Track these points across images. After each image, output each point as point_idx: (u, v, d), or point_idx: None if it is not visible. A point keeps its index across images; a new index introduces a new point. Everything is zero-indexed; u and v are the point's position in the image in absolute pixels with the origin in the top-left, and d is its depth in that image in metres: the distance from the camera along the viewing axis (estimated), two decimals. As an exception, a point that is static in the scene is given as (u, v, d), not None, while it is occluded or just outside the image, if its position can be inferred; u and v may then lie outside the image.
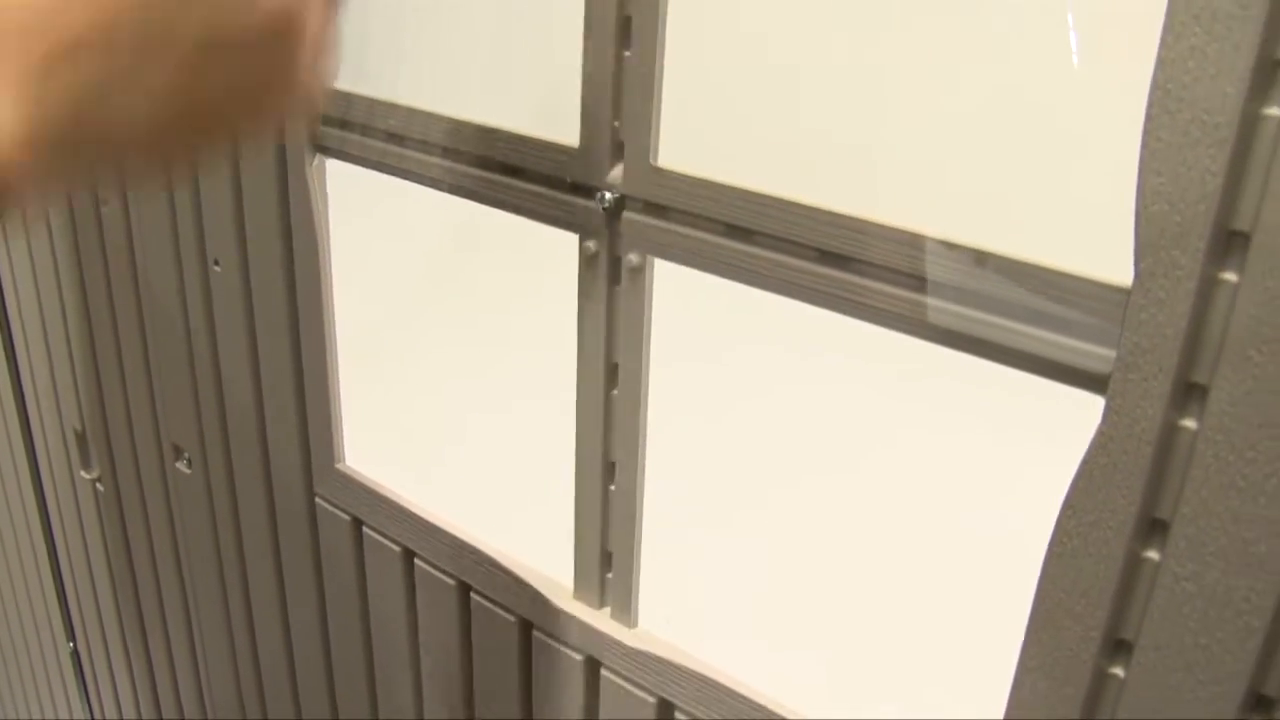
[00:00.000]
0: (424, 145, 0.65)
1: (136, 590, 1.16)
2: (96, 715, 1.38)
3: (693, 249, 0.54)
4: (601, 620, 0.67)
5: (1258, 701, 0.44)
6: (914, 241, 0.47)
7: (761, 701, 0.60)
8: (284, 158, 0.73)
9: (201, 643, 1.09)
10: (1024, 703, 0.49)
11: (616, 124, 0.55)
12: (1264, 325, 0.39)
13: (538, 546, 0.71)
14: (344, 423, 0.81)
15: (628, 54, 0.54)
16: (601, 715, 0.69)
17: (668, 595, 0.67)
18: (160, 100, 0.32)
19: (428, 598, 0.77)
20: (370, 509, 0.79)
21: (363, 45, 0.69)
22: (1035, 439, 0.63)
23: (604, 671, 0.67)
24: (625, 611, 0.66)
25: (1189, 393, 0.42)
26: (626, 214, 0.57)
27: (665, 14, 0.52)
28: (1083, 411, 0.45)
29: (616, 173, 0.56)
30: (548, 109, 0.59)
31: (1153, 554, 0.45)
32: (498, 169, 0.62)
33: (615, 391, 0.61)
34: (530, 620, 0.70)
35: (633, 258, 0.57)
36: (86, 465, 1.15)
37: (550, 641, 0.70)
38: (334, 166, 0.73)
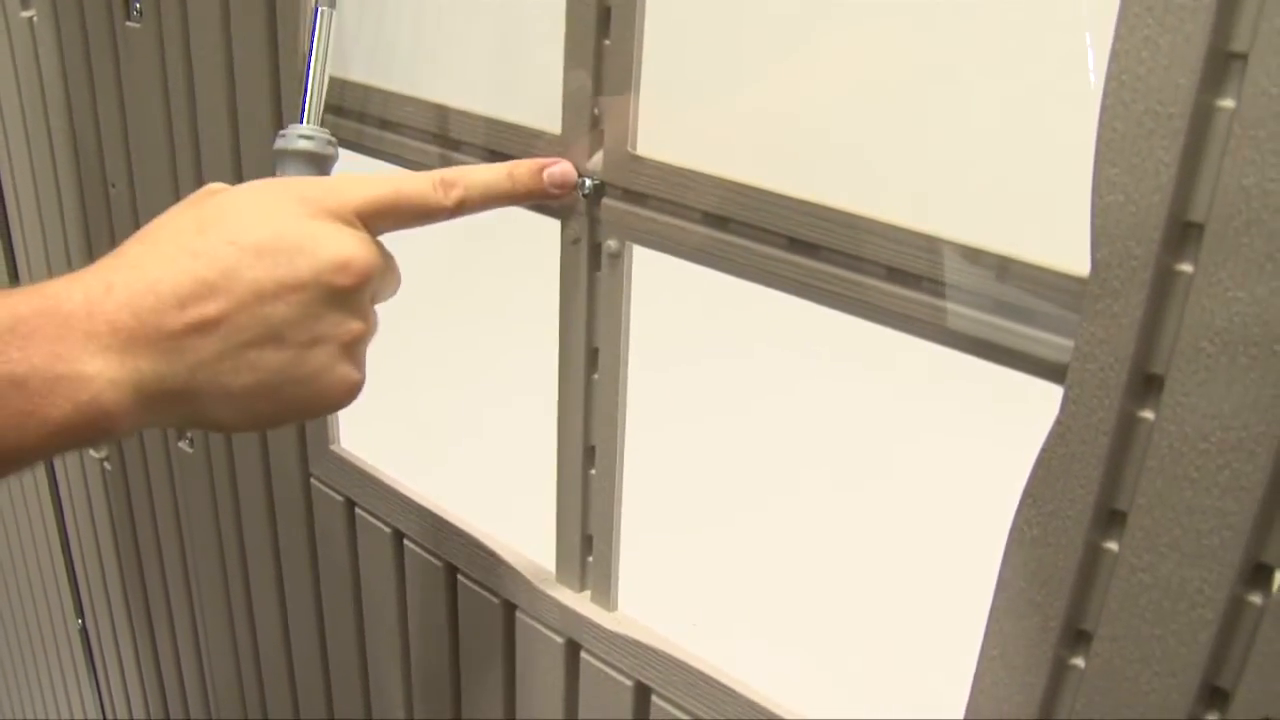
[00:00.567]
0: (415, 132, 0.66)
1: (141, 568, 1.18)
2: (104, 692, 1.40)
3: (669, 236, 0.55)
4: (582, 603, 0.67)
5: (1213, 694, 0.44)
6: (880, 230, 0.47)
7: (737, 689, 0.60)
8: (280, 142, 0.75)
9: (203, 620, 1.10)
10: (986, 692, 0.50)
11: (596, 112, 0.56)
12: (1216, 317, 0.39)
13: (524, 530, 0.72)
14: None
15: (607, 42, 0.54)
16: (581, 696, 0.70)
17: (648, 580, 0.68)
18: (241, 401, 0.42)
19: (416, 578, 0.78)
20: (362, 490, 0.80)
21: (353, 31, 0.70)
22: (1015, 431, 0.64)
23: (583, 654, 0.68)
24: (605, 595, 0.67)
25: (1147, 384, 0.42)
26: (606, 200, 0.57)
27: (644, 3, 0.53)
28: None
29: (597, 159, 0.57)
30: (531, 96, 0.59)
31: (1112, 545, 0.45)
32: (485, 155, 0.63)
33: (595, 376, 0.62)
34: (514, 602, 0.71)
35: (612, 244, 0.57)
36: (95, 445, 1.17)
37: (533, 623, 0.70)
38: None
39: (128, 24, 0.86)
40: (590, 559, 0.67)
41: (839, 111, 0.50)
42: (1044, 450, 0.45)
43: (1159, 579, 0.43)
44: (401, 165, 0.68)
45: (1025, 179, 0.46)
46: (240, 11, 0.74)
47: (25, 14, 0.97)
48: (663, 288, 0.61)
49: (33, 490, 1.33)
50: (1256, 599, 0.41)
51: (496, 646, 0.74)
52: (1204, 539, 0.42)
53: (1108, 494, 0.44)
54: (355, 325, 0.45)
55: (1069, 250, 0.43)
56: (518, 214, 0.63)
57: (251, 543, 0.96)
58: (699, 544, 0.80)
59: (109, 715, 1.42)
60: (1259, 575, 0.41)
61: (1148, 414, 0.43)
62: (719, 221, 0.53)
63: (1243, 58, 0.37)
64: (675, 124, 0.55)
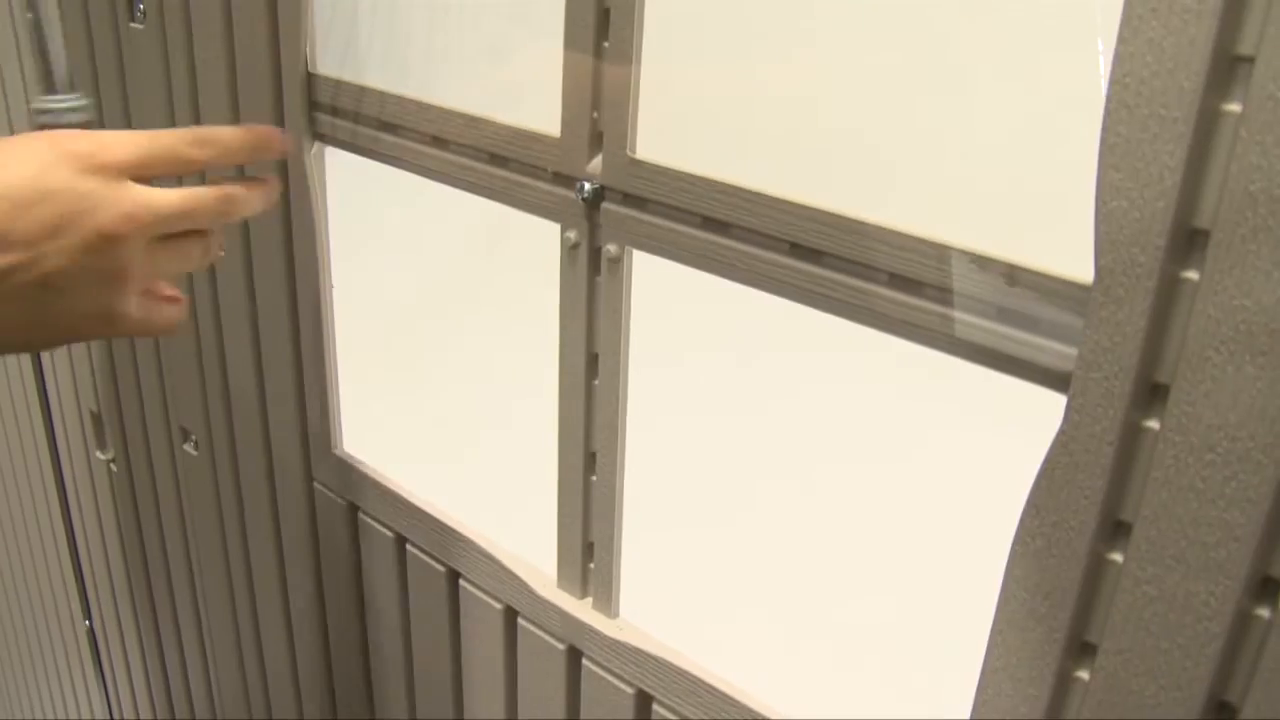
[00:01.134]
0: (416, 135, 0.65)
1: (147, 569, 1.18)
2: (111, 692, 1.40)
3: (669, 240, 0.54)
4: (583, 610, 0.67)
5: (1220, 708, 0.43)
6: (884, 236, 0.47)
7: (739, 698, 0.60)
8: (282, 145, 0.74)
9: (208, 621, 1.10)
10: (989, 704, 0.49)
11: (595, 115, 0.55)
12: (1222, 325, 0.39)
13: (526, 536, 0.72)
14: (342, 410, 0.81)
15: (606, 45, 0.54)
16: (583, 704, 0.69)
17: (649, 587, 0.67)
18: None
19: (419, 583, 0.78)
20: (365, 495, 0.80)
21: (354, 34, 0.70)
22: (1021, 432, 0.63)
23: (585, 661, 0.67)
24: (606, 602, 0.66)
25: (1153, 393, 0.42)
26: (605, 205, 0.57)
27: (643, 6, 0.52)
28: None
29: (596, 163, 0.56)
30: (529, 98, 0.59)
31: (1116, 556, 0.44)
32: (486, 159, 0.62)
33: (596, 382, 0.61)
34: (515, 608, 0.71)
35: (611, 248, 0.57)
36: (102, 446, 1.17)
37: (534, 629, 0.70)
38: (333, 157, 0.74)
39: (131, 25, 0.86)
40: (592, 566, 0.66)
41: (842, 116, 0.49)
42: (1047, 460, 0.44)
43: (1164, 591, 0.42)
44: (406, 171, 0.67)
45: (1031, 185, 0.45)
46: (242, 13, 0.74)
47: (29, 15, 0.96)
48: (663, 288, 0.60)
49: (40, 492, 1.34)
50: (1264, 612, 0.40)
51: (498, 652, 0.73)
52: (1210, 551, 0.41)
53: (1112, 504, 0.43)
54: (122, 271, 0.47)
55: (1074, 257, 0.43)
56: (516, 216, 0.62)
57: (255, 545, 0.96)
58: (700, 547, 0.80)
59: (116, 716, 1.42)
60: (1266, 589, 0.40)
61: (1152, 423, 0.42)
62: (720, 226, 0.52)
63: (1249, 61, 0.36)
64: (675, 127, 0.54)
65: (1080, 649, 0.46)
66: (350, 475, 0.81)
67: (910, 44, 0.47)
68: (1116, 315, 0.41)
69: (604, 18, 0.53)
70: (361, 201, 0.78)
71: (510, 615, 0.72)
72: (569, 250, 0.59)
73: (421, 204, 0.71)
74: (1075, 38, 0.41)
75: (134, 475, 1.12)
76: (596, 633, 0.66)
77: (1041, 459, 0.45)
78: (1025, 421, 0.49)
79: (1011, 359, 0.45)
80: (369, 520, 0.81)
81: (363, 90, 0.68)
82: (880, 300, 0.48)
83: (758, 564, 0.77)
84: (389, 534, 0.79)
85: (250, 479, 0.93)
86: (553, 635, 0.69)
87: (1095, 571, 0.45)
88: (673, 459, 0.66)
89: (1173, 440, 0.41)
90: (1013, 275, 0.44)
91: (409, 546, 0.78)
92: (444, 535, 0.74)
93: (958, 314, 0.46)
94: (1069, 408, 0.43)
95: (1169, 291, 0.40)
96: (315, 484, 0.85)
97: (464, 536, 0.73)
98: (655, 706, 0.64)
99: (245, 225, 0.81)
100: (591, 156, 0.56)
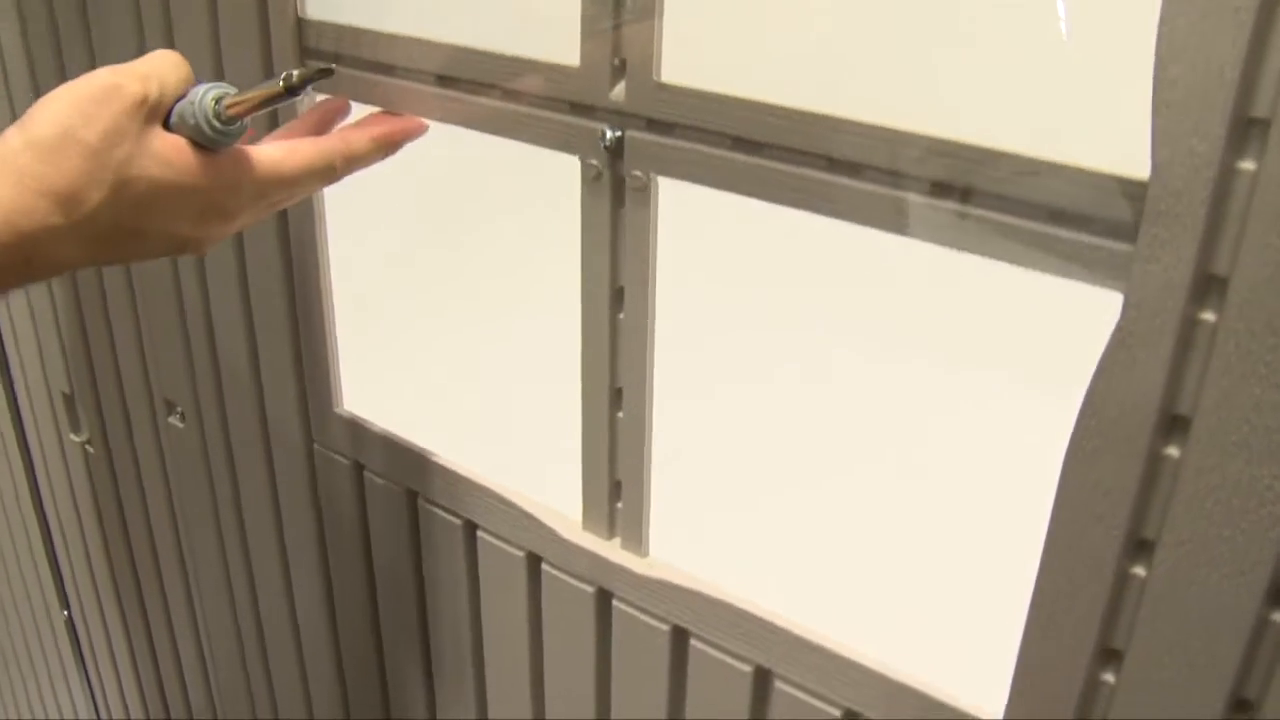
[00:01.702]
0: (420, 75, 0.64)
1: (131, 552, 1.15)
2: (94, 681, 1.37)
3: (699, 164, 0.54)
4: (612, 551, 0.66)
5: (1279, 593, 0.44)
6: (927, 145, 0.47)
7: (783, 625, 0.60)
8: (272, 96, 0.72)
9: (200, 601, 1.08)
10: (1046, 605, 0.50)
11: (617, 41, 0.54)
12: (1286, 210, 0.39)
13: (543, 481, 0.71)
14: (341, 366, 0.80)
15: (628, -33, 0.53)
16: (614, 646, 0.69)
17: (678, 525, 0.67)
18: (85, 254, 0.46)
19: (433, 538, 0.77)
20: (372, 453, 0.79)
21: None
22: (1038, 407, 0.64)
23: (615, 602, 0.67)
24: (636, 541, 0.66)
25: (1208, 284, 0.42)
26: (629, 133, 0.56)
27: (665, -75, 0.51)
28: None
29: (619, 90, 0.55)
30: (545, 27, 0.58)
31: (1173, 450, 0.45)
32: (497, 95, 0.61)
33: (621, 316, 0.60)
34: (539, 554, 0.70)
35: (637, 175, 0.56)
36: (76, 428, 1.14)
37: (560, 574, 0.69)
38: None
39: (97, -17, 0.82)
40: (619, 505, 0.66)
41: (877, 23, 0.49)
42: (1104, 358, 0.45)
43: (1227, 479, 0.43)
44: (403, 110, 0.66)
45: (1077, 86, 0.45)
46: (222, -38, 0.71)
47: (-18, -20, 0.93)
48: (686, 218, 0.59)
49: (7, 478, 1.30)
50: (1329, 492, 0.41)
51: (520, 601, 0.73)
52: (1274, 435, 0.42)
53: (1170, 398, 0.44)
54: (233, 215, 0.50)
55: (1125, 156, 0.43)
56: (523, 153, 0.61)
57: (251, 518, 0.94)
58: (729, 482, 0.80)
59: (102, 714, 1.39)
60: (1332, 467, 0.41)
61: (1209, 315, 0.42)
62: (753, 146, 0.52)
63: (1314, -59, 0.36)
64: (700, 49, 0.53)
65: (1138, 546, 0.47)
66: (355, 434, 0.79)
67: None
68: (1175, 208, 0.41)
69: (624, -60, 0.52)
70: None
71: (534, 562, 0.71)
72: (591, 181, 0.58)
73: (420, 144, 0.69)
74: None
75: (113, 455, 1.09)
76: (627, 572, 0.65)
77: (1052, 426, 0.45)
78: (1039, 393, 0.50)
79: (1065, 259, 0.45)
80: (376, 479, 0.79)
81: (360, 33, 0.66)
82: (925, 210, 0.48)
83: (791, 497, 0.77)
84: (398, 490, 0.78)
85: (244, 447, 0.91)
86: (580, 579, 0.68)
87: (1153, 467, 0.45)
88: (698, 392, 0.66)
89: (1234, 329, 0.41)
90: (1061, 176, 0.44)
91: (421, 501, 0.77)
92: (458, 486, 0.73)
93: (1007, 219, 0.46)
94: (1126, 303, 0.44)
95: (1227, 182, 0.40)
96: (315, 446, 0.83)
97: (480, 485, 0.72)
98: (693, 642, 0.64)
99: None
100: (614, 84, 0.55)
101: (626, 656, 0.68)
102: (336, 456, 0.82)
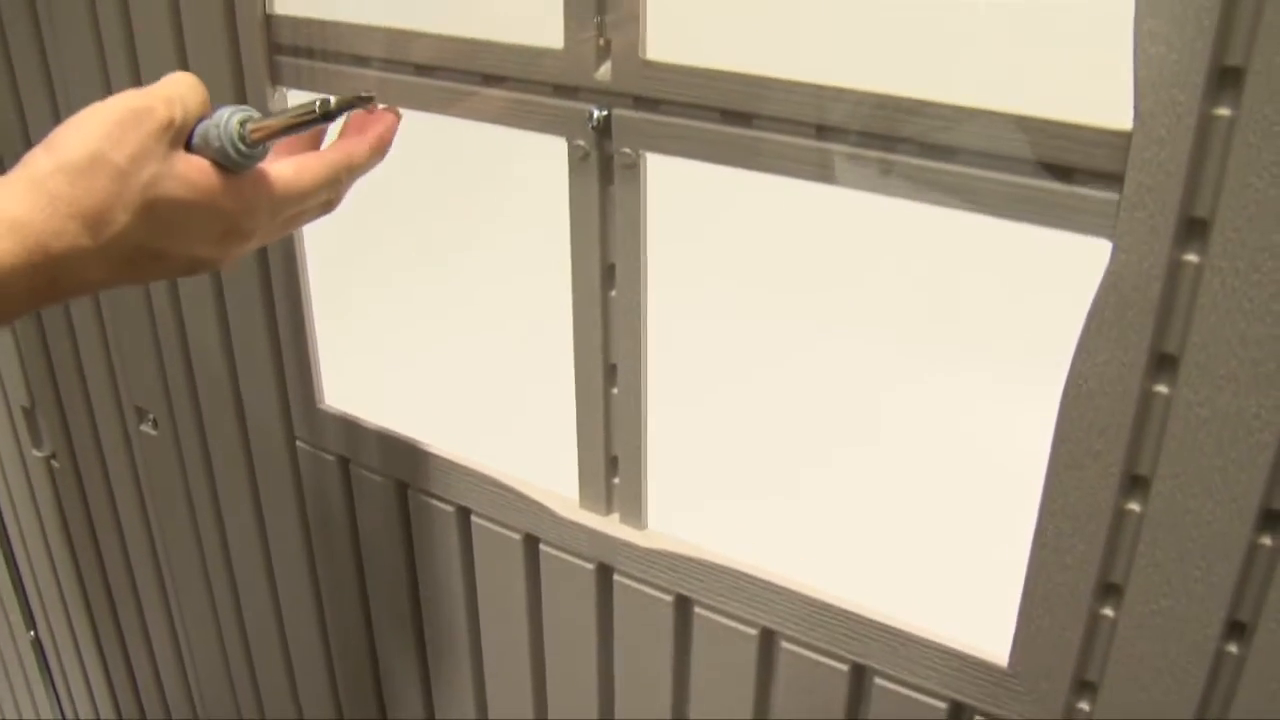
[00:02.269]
0: (397, 65, 0.64)
1: (103, 566, 1.13)
2: (64, 700, 1.35)
3: (688, 138, 0.55)
4: (610, 526, 0.68)
5: (1267, 516, 0.46)
6: (915, 108, 0.48)
7: (786, 584, 0.61)
8: (243, 90, 0.72)
9: (180, 611, 1.07)
10: (1049, 545, 0.52)
11: (600, 21, 0.55)
12: (1263, 152, 0.41)
13: (534, 464, 0.72)
14: (321, 361, 0.80)
15: (610, -53, 0.54)
16: (616, 620, 0.70)
17: (675, 498, 0.68)
18: (109, 275, 0.46)
19: (425, 527, 0.77)
20: (357, 446, 0.79)
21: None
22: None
23: (617, 576, 0.68)
24: (635, 515, 0.67)
25: (1191, 227, 0.44)
26: (616, 111, 0.57)
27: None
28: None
29: (604, 70, 0.56)
30: (526, 14, 0.58)
31: (1163, 388, 0.47)
32: (478, 80, 0.61)
33: (613, 293, 0.61)
34: (535, 535, 0.71)
35: (626, 152, 0.57)
36: (38, 443, 1.12)
37: (558, 553, 0.70)
38: (297, 98, 0.72)
39: (48, -13, 0.81)
40: (616, 480, 0.67)
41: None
42: (1095, 303, 0.47)
43: (1216, 412, 0.45)
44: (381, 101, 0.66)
45: (1063, 47, 0.47)
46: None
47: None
48: (674, 194, 0.61)
49: (-36, 501, 1.27)
50: (1315, 416, 0.43)
51: (519, 583, 0.74)
52: (1259, 366, 0.44)
53: (1159, 338, 0.46)
54: (250, 236, 0.51)
55: (1106, 109, 0.45)
56: (501, 136, 0.62)
57: (232, 522, 0.94)
58: (725, 452, 0.81)
59: (72, 727, 1.37)
60: (1317, 393, 0.44)
61: (1193, 257, 0.44)
62: (742, 118, 0.53)
63: (1284, -107, 0.38)
64: (682, 24, 0.55)
65: (1133, 482, 0.49)
66: (339, 428, 0.79)
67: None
68: (1159, 155, 0.43)
69: (605, -79, 0.53)
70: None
71: (530, 543, 0.72)
72: (578, 162, 0.59)
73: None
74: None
75: (81, 469, 1.07)
76: (628, 545, 0.67)
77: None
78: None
79: (1053, 210, 0.47)
80: (364, 472, 0.79)
81: (333, 26, 0.66)
82: (914, 169, 0.49)
83: (788, 463, 0.79)
84: (388, 481, 0.78)
85: (222, 450, 0.90)
86: (579, 556, 0.69)
87: (1145, 405, 0.47)
88: (694, 364, 0.67)
89: (1219, 267, 0.44)
90: (1048, 131, 0.46)
91: (411, 491, 0.77)
92: (450, 473, 0.74)
93: (998, 175, 0.48)
94: (1115, 249, 0.46)
95: (1207, 129, 0.43)
96: (298, 443, 0.83)
97: (473, 470, 0.72)
98: (697, 610, 0.65)
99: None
100: (599, 65, 0.56)
101: (629, 629, 0.69)
102: (320, 453, 0.82)
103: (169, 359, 0.89)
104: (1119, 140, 0.44)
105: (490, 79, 0.61)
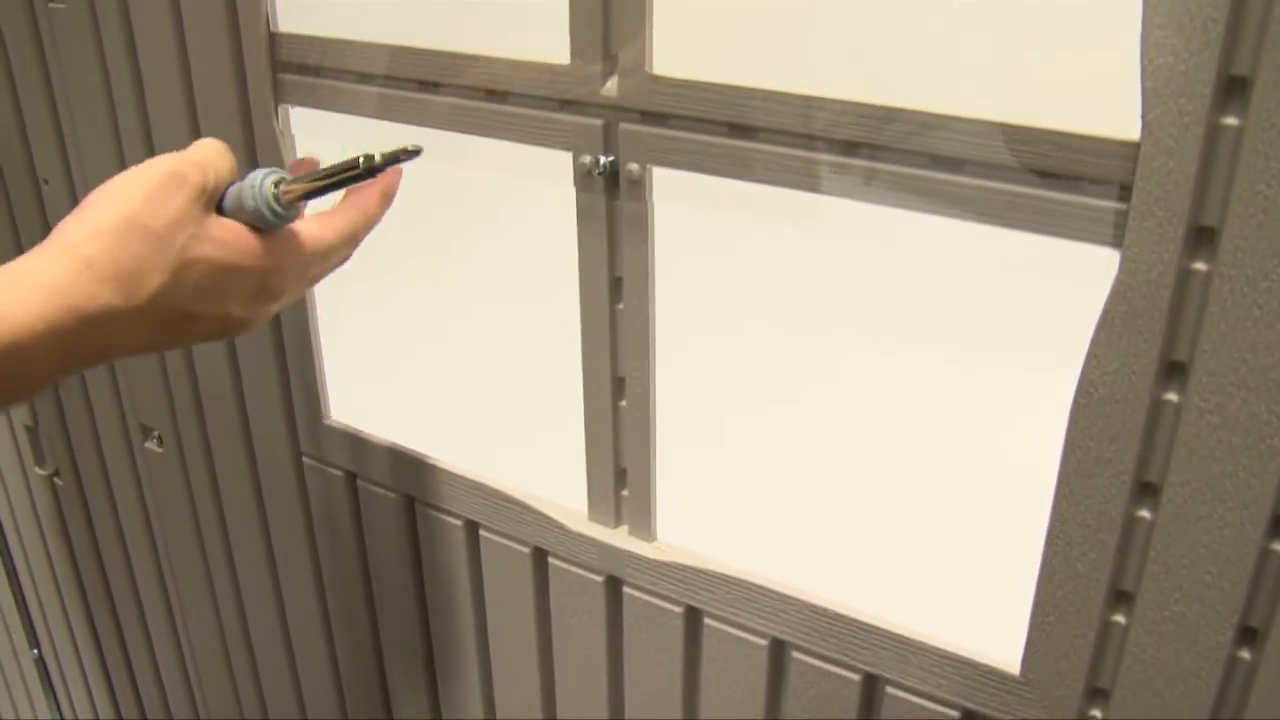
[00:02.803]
0: (401, 83, 0.64)
1: (108, 585, 1.13)
2: (67, 718, 1.34)
3: (695, 153, 0.55)
4: (619, 538, 0.68)
5: (1278, 522, 0.47)
6: (925, 120, 0.49)
7: (796, 595, 0.61)
8: (247, 106, 0.72)
9: (186, 628, 1.07)
10: (1060, 552, 0.52)
11: (607, 38, 0.56)
12: (1271, 160, 0.42)
13: (542, 477, 0.72)
14: (327, 375, 0.80)
15: (616, -37, 0.54)
16: (626, 632, 0.70)
17: (683, 510, 0.68)
18: (140, 338, 0.46)
19: (433, 542, 0.77)
20: (364, 461, 0.79)
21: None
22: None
23: (626, 589, 0.68)
24: (644, 527, 0.67)
25: (1199, 236, 0.45)
26: (624, 125, 0.57)
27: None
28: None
29: (611, 85, 0.57)
30: (532, 27, 0.59)
31: (1173, 396, 0.47)
32: (482, 96, 0.62)
33: (620, 306, 0.62)
34: (544, 548, 0.71)
35: (633, 168, 0.57)
36: (40, 461, 1.11)
37: (567, 566, 0.70)
38: (300, 113, 0.72)
39: (51, 5, 0.81)
40: (625, 493, 0.67)
41: (865, 3, 0.51)
42: (1105, 312, 0.47)
43: (1227, 418, 0.46)
44: (387, 120, 0.66)
45: (1070, 59, 0.48)
46: (187, -21, 0.71)
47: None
48: (677, 211, 0.61)
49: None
50: (1326, 422, 0.44)
51: (528, 596, 0.74)
52: (1270, 372, 0.44)
53: (1169, 346, 0.46)
54: (279, 295, 0.52)
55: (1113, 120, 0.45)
56: (507, 151, 0.62)
57: (238, 539, 0.94)
58: (733, 463, 0.81)
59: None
60: (1327, 399, 0.44)
61: (1201, 265, 0.45)
62: (748, 131, 0.53)
63: (1289, -95, 0.38)
64: (689, 39, 0.55)
65: (1144, 490, 0.49)
66: (346, 443, 0.79)
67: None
68: (1167, 165, 0.44)
69: (611, -63, 0.54)
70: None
71: (539, 557, 0.72)
72: (584, 177, 0.59)
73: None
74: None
75: (85, 487, 1.07)
76: (637, 558, 0.67)
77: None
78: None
79: (1060, 221, 0.47)
80: (371, 487, 0.79)
81: (336, 43, 0.66)
82: (924, 182, 0.50)
83: (797, 474, 0.79)
84: (395, 497, 0.78)
85: (228, 466, 0.90)
86: (588, 569, 0.69)
87: (1156, 412, 0.48)
88: (699, 375, 0.67)
89: (1228, 275, 0.44)
90: (1055, 142, 0.46)
91: (419, 505, 0.77)
92: (458, 487, 0.74)
93: (1005, 186, 0.48)
94: (1124, 259, 0.46)
95: (1214, 138, 0.43)
96: (305, 459, 0.83)
97: (481, 484, 0.73)
98: (706, 620, 0.65)
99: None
100: (605, 80, 0.57)
101: (639, 641, 0.69)
102: (327, 468, 0.82)
103: (174, 375, 0.89)
104: (1127, 150, 0.45)
105: (496, 95, 0.61)
